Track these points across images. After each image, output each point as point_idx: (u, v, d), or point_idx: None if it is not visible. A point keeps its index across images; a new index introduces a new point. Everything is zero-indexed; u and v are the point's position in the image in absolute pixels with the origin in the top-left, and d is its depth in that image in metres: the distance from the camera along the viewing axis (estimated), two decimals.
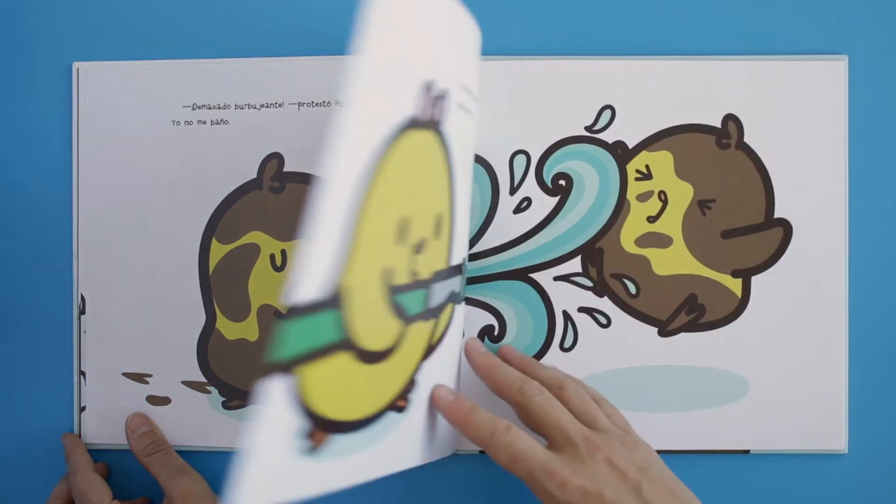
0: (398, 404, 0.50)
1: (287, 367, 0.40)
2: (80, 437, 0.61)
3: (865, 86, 0.61)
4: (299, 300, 0.40)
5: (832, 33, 0.61)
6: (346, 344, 0.44)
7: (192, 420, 0.61)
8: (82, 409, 0.61)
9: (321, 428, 0.43)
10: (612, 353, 0.61)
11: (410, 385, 0.52)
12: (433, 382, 0.55)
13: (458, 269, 0.56)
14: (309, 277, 0.40)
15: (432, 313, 0.53)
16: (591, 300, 0.61)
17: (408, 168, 0.46)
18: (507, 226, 0.61)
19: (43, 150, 0.62)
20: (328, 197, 0.40)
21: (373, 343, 0.46)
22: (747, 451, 0.61)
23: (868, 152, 0.61)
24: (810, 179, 0.61)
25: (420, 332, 0.51)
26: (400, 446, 0.51)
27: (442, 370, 0.56)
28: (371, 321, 0.46)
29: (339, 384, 0.44)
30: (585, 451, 0.51)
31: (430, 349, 0.53)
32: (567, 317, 0.61)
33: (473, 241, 0.61)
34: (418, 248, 0.49)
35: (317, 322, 0.41)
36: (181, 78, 0.61)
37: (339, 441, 0.45)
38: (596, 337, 0.61)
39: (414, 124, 0.46)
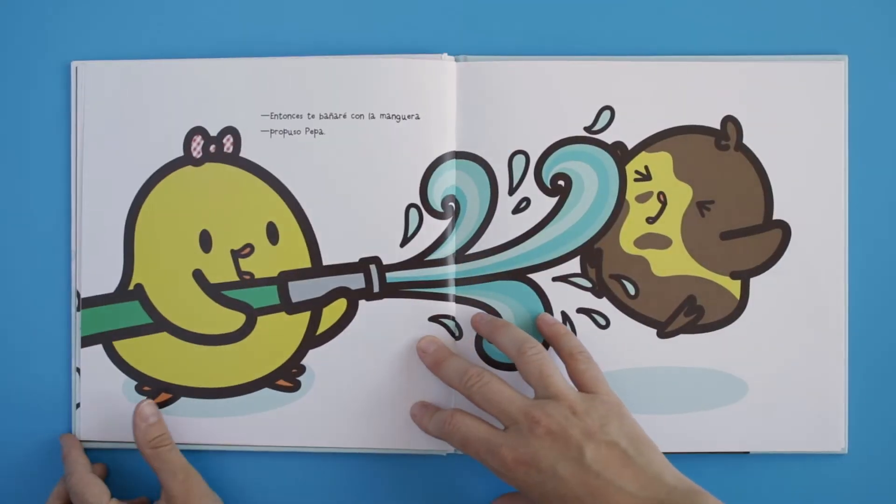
0: (280, 384, 0.61)
1: (100, 339, 0.61)
2: (75, 434, 0.61)
3: (865, 86, 0.61)
4: (94, 293, 0.61)
5: (832, 33, 0.61)
6: (158, 326, 0.61)
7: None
8: (77, 406, 0.61)
9: (163, 389, 0.61)
10: (611, 354, 0.61)
11: (295, 369, 0.61)
12: (334, 371, 0.61)
13: (346, 267, 0.61)
14: (98, 278, 0.61)
15: (303, 307, 0.61)
16: (590, 301, 0.61)
17: (194, 194, 0.61)
18: (505, 226, 0.61)
19: (41, 149, 0.62)
20: (103, 223, 0.61)
21: (199, 327, 0.61)
22: (747, 452, 0.61)
23: (868, 153, 0.61)
24: (810, 180, 0.61)
25: (283, 322, 0.61)
26: (294, 423, 0.61)
27: (348, 360, 0.61)
28: (189, 309, 0.61)
29: (165, 355, 0.61)
30: (526, 426, 0.52)
31: (315, 339, 0.61)
32: (566, 317, 0.61)
33: (472, 242, 0.61)
34: (243, 254, 0.61)
35: (121, 309, 0.61)
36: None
37: (187, 402, 0.61)
38: (595, 338, 0.61)
39: (186, 163, 0.61)
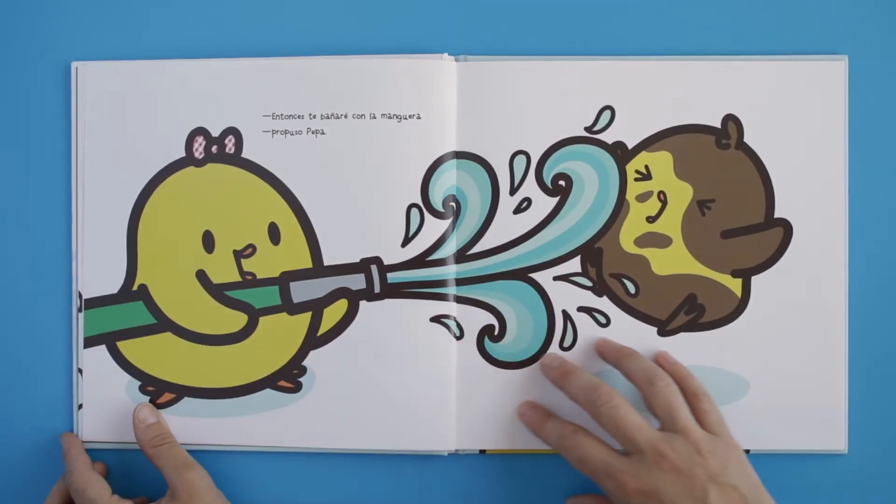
0: (281, 384, 0.61)
1: (104, 340, 0.61)
2: (77, 434, 0.62)
3: (865, 86, 0.61)
4: (97, 294, 0.61)
5: (832, 33, 0.61)
6: (162, 326, 0.61)
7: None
8: (80, 406, 0.62)
9: (167, 389, 0.61)
10: None
11: (296, 370, 0.61)
12: (335, 372, 0.61)
13: (347, 267, 0.61)
14: (101, 279, 0.61)
15: (304, 307, 0.61)
16: (591, 300, 0.61)
17: (196, 195, 0.61)
18: (507, 226, 0.61)
19: (42, 149, 0.63)
20: (105, 224, 0.61)
21: (202, 327, 0.61)
22: (747, 451, 0.61)
23: (868, 152, 0.61)
24: (810, 179, 0.61)
25: (284, 322, 0.61)
26: (295, 424, 0.61)
27: (349, 361, 0.61)
28: (192, 310, 0.61)
29: (169, 355, 0.61)
30: (652, 459, 0.52)
31: (316, 340, 0.61)
32: (567, 316, 0.61)
33: (473, 241, 0.61)
34: (245, 254, 0.61)
35: (125, 309, 0.61)
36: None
37: (191, 402, 0.61)
38: (595, 336, 0.61)
39: (188, 164, 0.61)
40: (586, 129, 0.61)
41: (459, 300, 0.61)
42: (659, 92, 0.61)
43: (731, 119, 0.61)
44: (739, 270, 0.61)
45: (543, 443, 0.59)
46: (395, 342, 0.61)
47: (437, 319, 0.61)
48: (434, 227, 0.61)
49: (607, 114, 0.61)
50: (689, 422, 0.54)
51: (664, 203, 0.61)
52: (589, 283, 0.61)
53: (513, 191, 0.61)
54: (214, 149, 0.61)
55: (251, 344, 0.61)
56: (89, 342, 0.62)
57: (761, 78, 0.61)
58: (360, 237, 0.61)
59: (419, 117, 0.60)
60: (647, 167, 0.61)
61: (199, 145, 0.61)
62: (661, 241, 0.61)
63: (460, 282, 0.61)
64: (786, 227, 0.61)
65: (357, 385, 0.61)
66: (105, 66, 0.62)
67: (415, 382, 0.61)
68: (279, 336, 0.61)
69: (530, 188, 0.61)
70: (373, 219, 0.61)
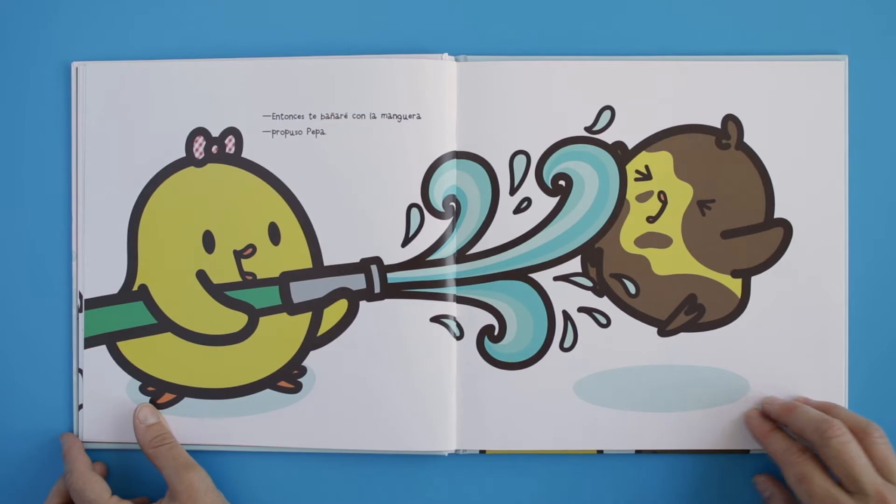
0: (281, 385, 0.61)
1: (104, 340, 0.62)
2: (77, 434, 0.62)
3: (865, 86, 0.61)
4: (98, 294, 0.62)
5: (832, 33, 0.61)
6: (162, 326, 0.61)
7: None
8: (80, 407, 0.62)
9: (167, 389, 0.62)
10: (612, 353, 0.61)
11: (296, 370, 0.61)
12: (335, 372, 0.61)
13: (347, 267, 0.61)
14: (102, 279, 0.62)
15: (304, 307, 0.61)
16: (591, 300, 0.61)
17: (197, 195, 0.62)
18: (507, 226, 0.61)
19: (42, 149, 0.63)
20: (105, 225, 0.62)
21: (202, 327, 0.62)
22: (747, 451, 0.61)
23: (868, 152, 0.61)
24: (810, 179, 0.61)
25: (284, 323, 0.61)
26: (296, 424, 0.61)
27: (349, 362, 0.61)
28: (193, 310, 0.61)
29: (169, 356, 0.62)
30: (874, 502, 0.53)
31: (316, 340, 0.61)
32: (567, 317, 0.61)
33: (473, 241, 0.61)
34: (245, 254, 0.61)
35: (125, 309, 0.61)
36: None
37: (191, 402, 0.61)
38: (596, 337, 0.61)
39: (188, 164, 0.61)
40: (586, 129, 0.61)
41: (459, 300, 0.61)
42: (659, 92, 0.61)
43: (730, 119, 0.61)
44: (739, 270, 0.61)
45: (764, 449, 0.60)
46: (395, 342, 0.61)
47: (437, 319, 0.61)
48: (434, 227, 0.61)
49: (607, 114, 0.61)
50: None
51: (664, 203, 0.61)
52: (589, 284, 0.61)
53: (513, 191, 0.61)
54: (214, 149, 0.61)
55: (251, 344, 0.61)
56: (90, 342, 0.62)
57: (761, 78, 0.61)
58: (360, 237, 0.61)
59: (419, 117, 0.60)
60: (647, 167, 0.61)
61: (200, 145, 0.61)
62: (662, 241, 0.61)
63: (460, 282, 0.61)
64: (786, 227, 0.61)
65: (357, 385, 0.61)
66: (105, 66, 0.62)
67: (415, 382, 0.61)
68: (279, 336, 0.61)
69: (530, 188, 0.61)
70: (373, 219, 0.61)
